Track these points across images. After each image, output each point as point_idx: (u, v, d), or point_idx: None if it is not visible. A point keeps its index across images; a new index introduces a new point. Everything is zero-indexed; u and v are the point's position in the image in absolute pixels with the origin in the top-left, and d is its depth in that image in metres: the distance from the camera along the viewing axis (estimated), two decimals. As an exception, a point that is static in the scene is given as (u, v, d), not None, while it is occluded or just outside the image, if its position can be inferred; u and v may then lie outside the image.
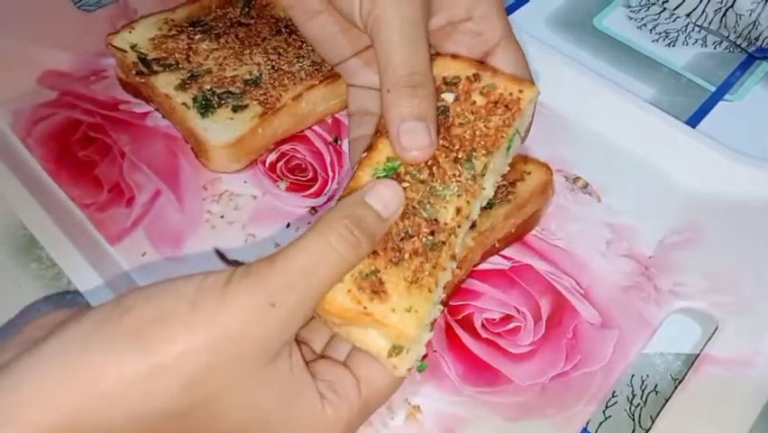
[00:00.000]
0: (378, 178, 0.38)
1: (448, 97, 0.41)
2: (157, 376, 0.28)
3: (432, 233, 0.36)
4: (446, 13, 0.42)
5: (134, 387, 0.28)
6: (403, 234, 0.36)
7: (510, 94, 0.41)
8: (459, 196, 0.38)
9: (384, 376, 0.35)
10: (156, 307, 0.29)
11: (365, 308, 0.33)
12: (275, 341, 0.30)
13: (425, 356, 0.40)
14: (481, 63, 0.43)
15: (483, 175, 0.39)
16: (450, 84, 0.42)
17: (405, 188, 0.37)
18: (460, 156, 0.39)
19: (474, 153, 0.39)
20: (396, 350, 0.34)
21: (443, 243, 0.36)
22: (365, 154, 0.39)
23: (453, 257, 0.37)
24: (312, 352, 0.37)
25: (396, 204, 0.35)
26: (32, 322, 0.31)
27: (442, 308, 0.37)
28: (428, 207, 0.37)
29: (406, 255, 0.35)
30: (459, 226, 0.37)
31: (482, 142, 0.39)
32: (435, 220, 0.37)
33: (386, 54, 0.37)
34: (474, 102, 0.41)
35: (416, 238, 0.36)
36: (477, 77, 0.42)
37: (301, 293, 0.30)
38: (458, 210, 0.38)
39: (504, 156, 0.41)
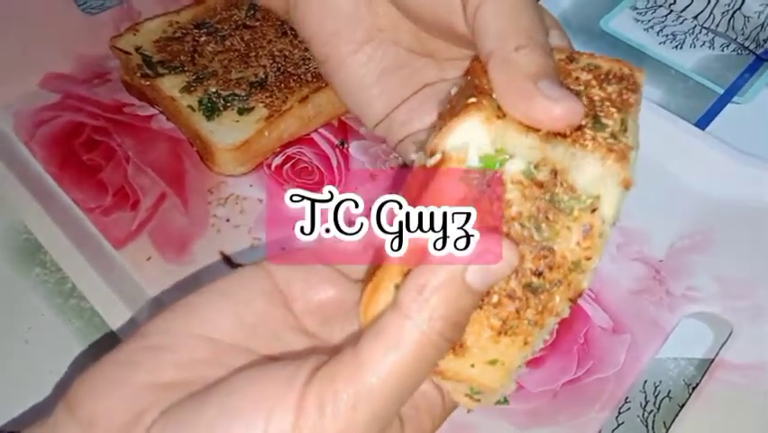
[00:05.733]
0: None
1: None
2: None
3: (538, 272, 0.25)
4: None
5: None
6: None
7: (620, 69, 0.31)
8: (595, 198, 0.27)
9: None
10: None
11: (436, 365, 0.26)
12: None
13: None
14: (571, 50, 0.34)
15: (624, 131, 0.28)
16: None
17: (511, 197, 0.26)
18: (584, 122, 0.28)
19: (601, 113, 0.28)
20: (474, 396, 0.28)
21: (559, 282, 0.25)
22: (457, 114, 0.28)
23: (575, 299, 0.26)
24: None
25: (503, 276, 0.25)
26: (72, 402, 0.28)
27: (548, 338, 0.27)
28: (543, 227, 0.26)
29: (495, 298, 0.25)
30: (588, 258, 0.25)
31: (606, 104, 0.29)
32: (550, 250, 0.25)
33: (508, 16, 0.31)
34: (578, 78, 0.31)
35: (512, 277, 0.25)
36: (572, 58, 0.32)
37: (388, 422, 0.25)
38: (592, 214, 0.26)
39: (637, 129, 0.29)
